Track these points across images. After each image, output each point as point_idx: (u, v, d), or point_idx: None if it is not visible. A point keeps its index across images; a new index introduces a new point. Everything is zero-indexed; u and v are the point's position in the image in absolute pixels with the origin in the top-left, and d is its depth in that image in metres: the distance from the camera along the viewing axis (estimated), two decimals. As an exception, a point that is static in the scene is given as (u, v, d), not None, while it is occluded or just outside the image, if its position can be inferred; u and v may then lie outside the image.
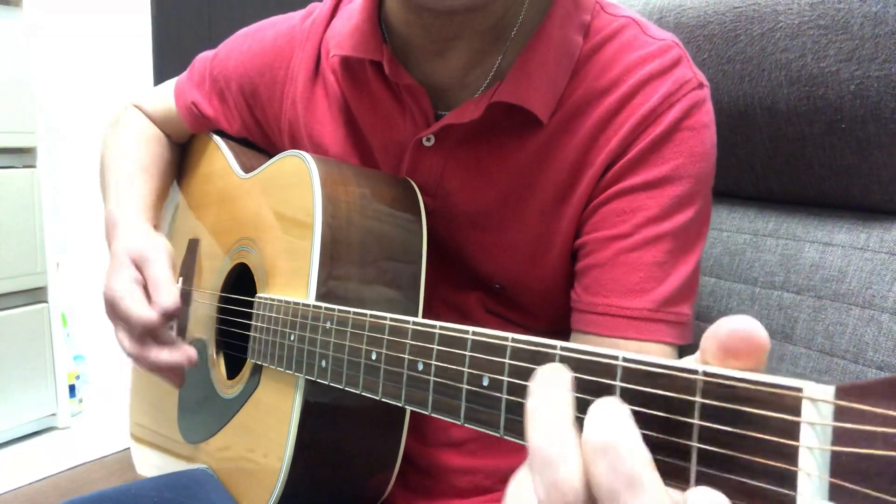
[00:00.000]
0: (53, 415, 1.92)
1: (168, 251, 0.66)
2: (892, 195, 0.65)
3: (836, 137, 0.65)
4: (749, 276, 0.73)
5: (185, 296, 0.77)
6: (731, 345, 0.25)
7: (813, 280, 0.68)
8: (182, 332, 0.77)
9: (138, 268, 0.65)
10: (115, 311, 0.64)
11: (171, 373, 0.64)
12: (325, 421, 0.56)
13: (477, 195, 0.60)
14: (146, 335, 0.63)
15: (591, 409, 0.25)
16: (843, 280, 0.65)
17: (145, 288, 0.64)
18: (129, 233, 0.69)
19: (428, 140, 0.60)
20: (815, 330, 0.66)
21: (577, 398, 0.28)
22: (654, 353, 0.54)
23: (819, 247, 0.68)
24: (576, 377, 0.30)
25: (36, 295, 1.86)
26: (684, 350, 0.56)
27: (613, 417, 0.24)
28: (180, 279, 0.78)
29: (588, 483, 0.24)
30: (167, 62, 1.86)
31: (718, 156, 0.59)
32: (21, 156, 1.81)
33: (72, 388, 1.98)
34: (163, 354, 0.63)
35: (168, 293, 0.62)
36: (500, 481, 0.65)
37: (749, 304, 0.73)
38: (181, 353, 0.63)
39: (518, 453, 0.46)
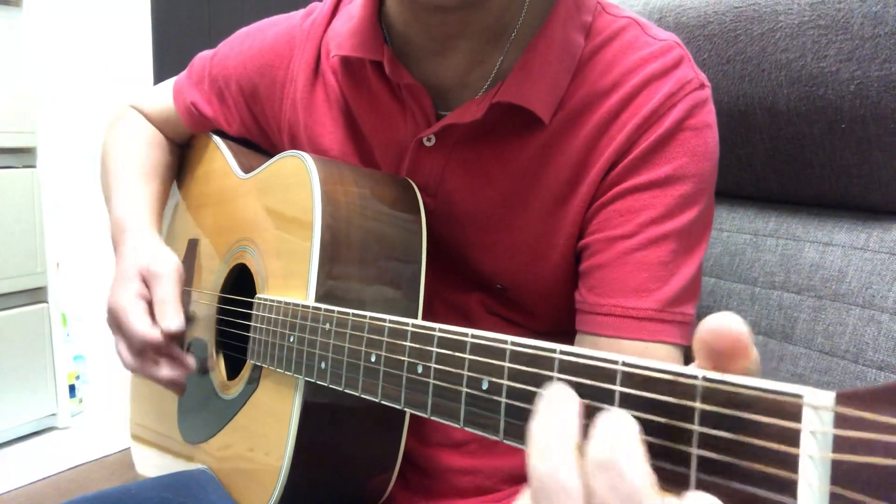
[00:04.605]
0: (53, 415, 1.92)
1: (180, 271, 0.66)
2: (892, 195, 0.65)
3: (836, 137, 0.65)
4: (749, 276, 0.73)
5: (185, 296, 0.77)
6: (715, 344, 0.25)
7: (813, 280, 0.68)
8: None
9: (146, 283, 0.65)
10: (117, 324, 0.65)
11: (171, 385, 0.65)
12: (324, 422, 0.56)
13: (477, 195, 0.60)
14: (146, 351, 0.63)
15: (599, 421, 0.25)
16: (843, 280, 0.65)
17: (150, 304, 0.64)
18: (139, 245, 0.69)
19: (429, 140, 0.60)
20: (815, 330, 0.66)
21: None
22: (660, 354, 0.54)
23: (819, 247, 0.68)
24: (576, 382, 0.30)
25: (36, 295, 1.86)
26: (687, 351, 0.56)
27: (618, 433, 0.24)
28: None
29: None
30: (167, 62, 1.86)
31: (718, 156, 0.59)
32: (21, 156, 1.81)
33: (72, 388, 1.98)
34: (162, 371, 0.64)
35: (174, 315, 0.62)
36: (500, 481, 0.65)
37: (749, 304, 0.73)
38: (181, 369, 0.64)
39: (518, 454, 0.46)
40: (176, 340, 0.64)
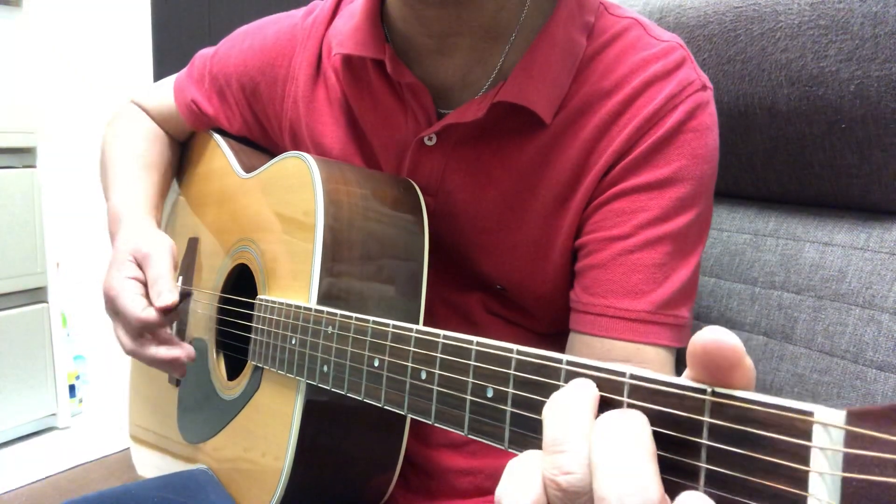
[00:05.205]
0: (53, 415, 1.92)
1: (171, 249, 0.66)
2: (892, 195, 0.65)
3: (836, 137, 0.65)
4: (749, 276, 0.73)
5: (185, 295, 0.77)
6: (709, 358, 0.25)
7: (813, 280, 0.68)
8: (181, 331, 0.77)
9: (139, 265, 0.65)
10: (113, 307, 0.64)
11: (170, 366, 0.64)
12: (326, 423, 0.56)
13: (478, 195, 0.60)
14: (144, 332, 0.63)
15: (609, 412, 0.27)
16: (843, 280, 0.65)
17: (145, 285, 0.64)
18: (132, 229, 0.69)
19: (430, 139, 0.60)
20: (815, 330, 0.67)
21: None
22: (651, 356, 0.54)
23: (819, 247, 0.68)
24: None
25: (36, 295, 1.86)
26: (682, 353, 0.56)
27: (628, 418, 0.26)
28: (180, 278, 0.78)
29: (591, 472, 0.25)
30: (167, 62, 1.86)
31: (718, 157, 0.59)
32: (21, 156, 1.81)
33: (72, 388, 1.97)
34: (160, 351, 0.63)
35: (167, 292, 0.62)
36: (500, 482, 0.65)
37: (749, 304, 0.73)
38: (179, 350, 0.64)
39: (519, 454, 0.46)
40: (170, 320, 0.64)
